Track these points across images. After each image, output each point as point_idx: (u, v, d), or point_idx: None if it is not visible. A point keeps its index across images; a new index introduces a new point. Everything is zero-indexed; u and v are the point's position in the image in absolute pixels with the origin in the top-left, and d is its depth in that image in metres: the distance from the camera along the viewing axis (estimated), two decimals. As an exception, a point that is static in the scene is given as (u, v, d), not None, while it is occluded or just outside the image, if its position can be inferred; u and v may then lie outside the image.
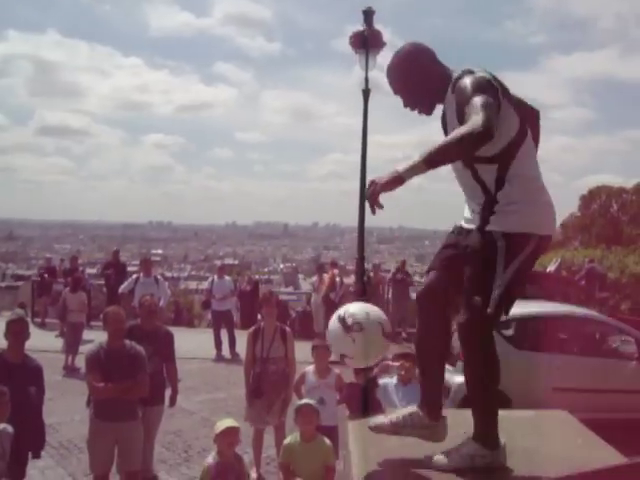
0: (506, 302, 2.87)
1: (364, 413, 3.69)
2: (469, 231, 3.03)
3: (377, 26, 13.65)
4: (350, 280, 15.50)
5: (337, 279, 15.57)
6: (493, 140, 2.68)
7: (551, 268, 15.83)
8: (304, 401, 5.44)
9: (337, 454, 5.12)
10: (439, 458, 3.00)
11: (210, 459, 4.99)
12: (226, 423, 4.99)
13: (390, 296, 16.65)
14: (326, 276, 15.79)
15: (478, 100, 2.69)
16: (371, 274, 16.22)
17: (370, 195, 2.69)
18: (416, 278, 19.94)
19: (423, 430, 3.13)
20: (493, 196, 2.93)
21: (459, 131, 2.65)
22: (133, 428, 5.74)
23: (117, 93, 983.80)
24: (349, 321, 3.30)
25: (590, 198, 39.23)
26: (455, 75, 2.93)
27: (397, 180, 2.65)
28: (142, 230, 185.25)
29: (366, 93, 13.68)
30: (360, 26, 13.62)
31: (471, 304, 2.83)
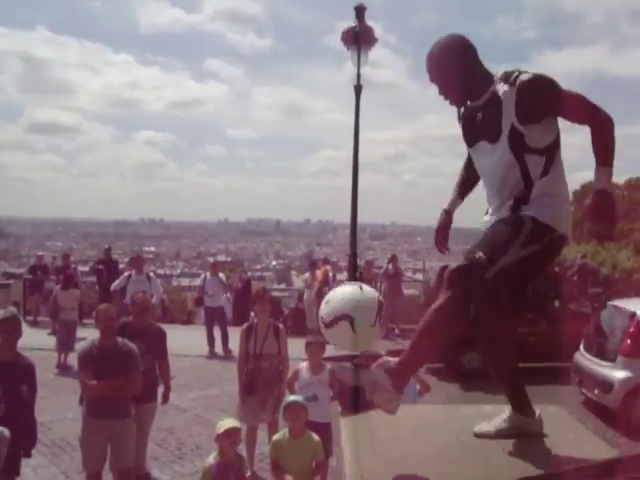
0: (510, 281, 2.85)
1: (356, 409, 3.67)
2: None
3: (368, 22, 13.67)
4: (343, 276, 15.51)
5: (330, 274, 15.59)
6: (547, 131, 2.94)
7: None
8: (292, 398, 5.46)
9: (331, 451, 5.11)
10: (483, 426, 3.18)
11: (211, 459, 4.96)
12: (228, 423, 4.97)
13: (383, 292, 16.66)
14: (319, 272, 15.82)
15: (576, 96, 2.90)
16: (363, 270, 16.22)
17: (608, 226, 2.80)
18: (409, 274, 19.97)
19: (523, 428, 3.21)
20: (531, 187, 2.99)
21: (605, 128, 2.87)
22: (126, 426, 5.73)
23: (108, 90, 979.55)
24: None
25: (583, 193, 39.25)
26: (501, 74, 3.01)
27: (610, 197, 2.80)
28: (134, 227, 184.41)
29: (358, 89, 13.69)
30: (352, 22, 13.63)
31: (472, 256, 2.78)
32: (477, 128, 3.10)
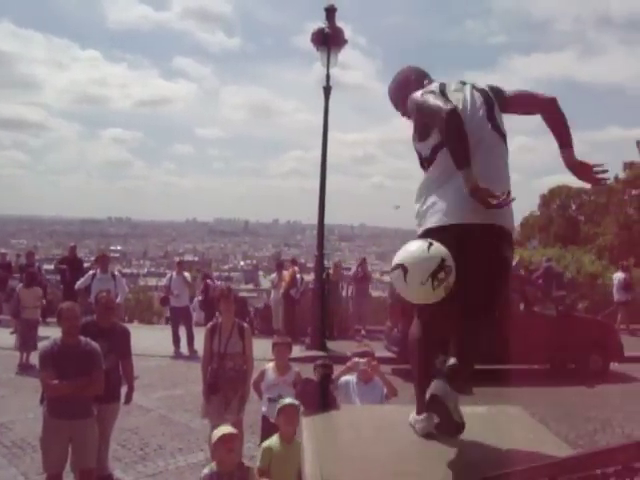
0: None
1: (320, 409, 3.67)
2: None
3: (338, 23, 13.70)
4: (310, 277, 15.52)
5: (297, 276, 15.58)
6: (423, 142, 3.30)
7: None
8: (288, 400, 5.20)
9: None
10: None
11: (206, 470, 4.71)
12: (223, 430, 4.77)
13: (351, 294, 16.69)
14: (286, 273, 15.81)
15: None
16: (331, 271, 16.24)
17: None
18: (377, 276, 20.02)
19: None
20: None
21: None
22: (87, 426, 5.66)
23: (74, 86, 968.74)
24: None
25: (550, 197, 39.80)
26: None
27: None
28: (101, 226, 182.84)
29: (327, 90, 13.73)
30: (321, 23, 13.64)
31: None
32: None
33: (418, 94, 3.27)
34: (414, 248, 2.99)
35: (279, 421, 5.16)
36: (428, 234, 3.11)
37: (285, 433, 5.09)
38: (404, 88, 3.50)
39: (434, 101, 3.12)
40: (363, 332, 15.31)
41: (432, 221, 3.16)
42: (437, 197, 3.17)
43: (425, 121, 3.21)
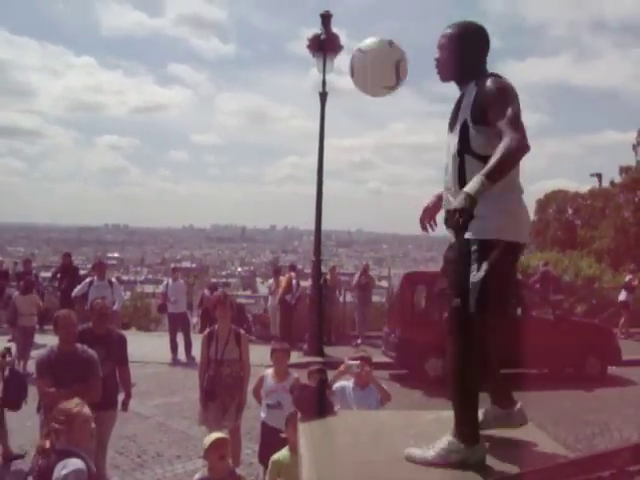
0: (489, 299, 2.97)
1: (317, 415, 3.66)
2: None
3: (333, 29, 13.73)
4: (307, 283, 15.50)
5: (293, 282, 15.55)
6: (491, 142, 2.93)
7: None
8: None
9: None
10: (413, 451, 3.04)
11: (197, 476, 4.75)
12: (214, 436, 4.79)
13: (353, 301, 16.62)
14: (283, 279, 15.78)
15: (513, 114, 2.92)
16: (328, 277, 16.22)
17: (460, 225, 2.73)
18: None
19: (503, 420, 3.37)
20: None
21: (509, 147, 2.80)
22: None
23: (70, 93, 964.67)
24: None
25: (546, 202, 39.82)
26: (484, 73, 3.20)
27: (473, 203, 2.72)
28: (98, 233, 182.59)
29: (323, 96, 13.76)
30: (316, 29, 13.70)
31: (451, 307, 3.05)
32: (452, 115, 3.30)
33: (514, 89, 3.07)
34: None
35: (288, 432, 5.08)
36: (496, 244, 3.01)
37: (294, 443, 5.03)
38: (468, 43, 3.24)
39: (519, 116, 2.95)
40: (359, 340, 15.20)
41: (511, 236, 3.09)
42: (507, 206, 3.08)
43: (496, 117, 2.96)
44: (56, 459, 3.93)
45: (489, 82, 3.06)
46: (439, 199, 3.50)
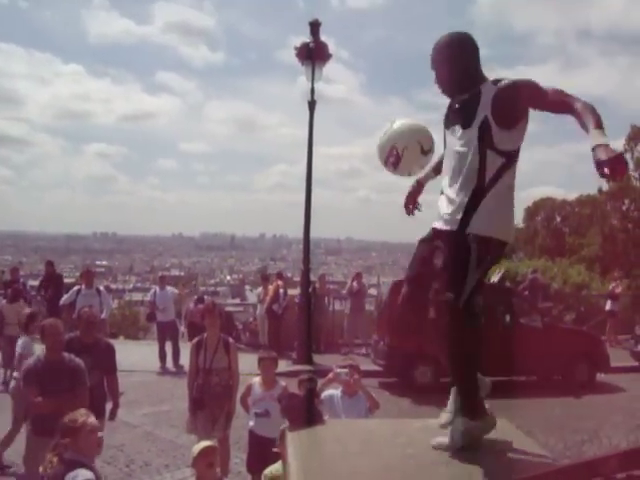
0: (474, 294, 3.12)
1: (306, 424, 3.65)
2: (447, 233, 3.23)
3: (321, 37, 13.76)
4: (296, 291, 15.46)
5: (281, 290, 15.50)
6: (513, 138, 3.15)
7: (495, 278, 16.06)
8: None
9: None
10: (439, 440, 3.24)
11: None
12: (203, 444, 4.78)
13: (345, 309, 16.55)
14: (271, 288, 15.75)
15: (556, 90, 3.01)
16: (317, 285, 16.19)
17: (622, 167, 2.60)
18: (363, 289, 19.81)
19: (473, 432, 3.30)
20: (480, 190, 3.15)
21: (589, 105, 2.85)
22: (72, 443, 5.60)
23: (57, 101, 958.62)
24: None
25: (534, 210, 39.99)
26: (492, 79, 3.25)
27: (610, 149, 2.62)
28: (86, 241, 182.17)
29: (312, 104, 13.77)
30: (305, 37, 13.71)
31: (444, 299, 3.15)
32: (455, 114, 3.33)
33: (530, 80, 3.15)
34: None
35: (281, 446, 5.06)
36: (489, 241, 3.13)
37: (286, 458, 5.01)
38: (462, 53, 3.32)
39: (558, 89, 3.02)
40: (348, 349, 15.16)
41: (504, 235, 3.22)
42: (506, 207, 3.24)
43: (536, 103, 3.09)
44: (65, 469, 3.89)
45: (510, 81, 3.15)
46: (420, 184, 3.76)
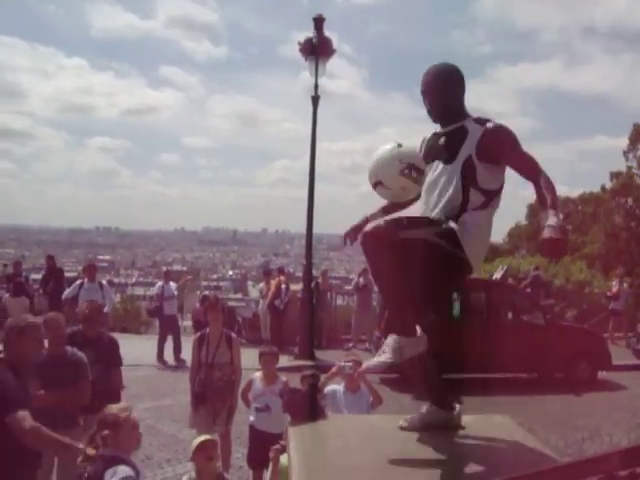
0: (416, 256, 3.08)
1: (308, 419, 3.66)
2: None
3: (325, 32, 13.74)
4: (299, 287, 15.47)
5: (283, 286, 15.51)
6: (495, 179, 3.24)
7: (497, 275, 16.05)
8: None
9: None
10: (401, 423, 3.44)
11: (184, 478, 4.72)
12: (202, 438, 4.76)
13: (354, 303, 16.48)
14: (273, 283, 15.76)
15: (530, 156, 3.20)
16: (319, 280, 16.19)
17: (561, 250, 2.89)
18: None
19: (444, 421, 3.46)
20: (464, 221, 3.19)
21: (551, 181, 3.09)
22: (74, 437, 5.60)
23: (60, 95, 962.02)
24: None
25: (537, 207, 39.93)
26: (475, 116, 3.35)
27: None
28: (89, 236, 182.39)
29: (315, 100, 13.75)
30: (308, 33, 13.70)
31: (394, 218, 3.18)
32: (436, 149, 3.40)
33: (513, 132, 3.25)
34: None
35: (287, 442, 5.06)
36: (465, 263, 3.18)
37: None
38: (456, 87, 3.42)
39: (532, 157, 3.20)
40: (352, 343, 15.20)
41: (473, 259, 3.21)
42: (482, 241, 3.30)
43: (508, 159, 3.22)
44: (104, 466, 3.85)
45: (496, 125, 3.22)
46: (367, 221, 3.72)
